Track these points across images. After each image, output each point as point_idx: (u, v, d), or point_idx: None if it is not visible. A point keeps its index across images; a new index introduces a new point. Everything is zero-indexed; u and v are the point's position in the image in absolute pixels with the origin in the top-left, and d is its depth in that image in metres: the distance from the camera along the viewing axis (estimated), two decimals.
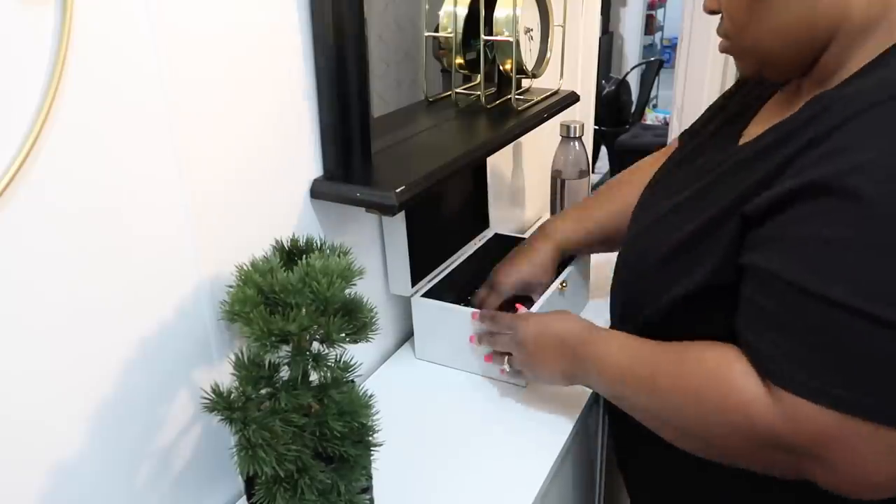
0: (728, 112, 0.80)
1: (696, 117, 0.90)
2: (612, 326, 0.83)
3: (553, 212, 1.31)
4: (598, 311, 1.13)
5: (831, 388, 0.53)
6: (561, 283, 1.01)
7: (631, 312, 0.76)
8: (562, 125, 1.25)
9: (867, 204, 0.52)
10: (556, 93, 1.18)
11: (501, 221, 1.32)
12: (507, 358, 0.88)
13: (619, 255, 0.83)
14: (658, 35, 5.62)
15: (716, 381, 0.61)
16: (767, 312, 0.58)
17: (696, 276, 0.65)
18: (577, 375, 0.79)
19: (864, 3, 0.59)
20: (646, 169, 0.94)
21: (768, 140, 0.62)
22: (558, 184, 1.28)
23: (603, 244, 1.02)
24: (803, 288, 0.54)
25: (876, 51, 0.58)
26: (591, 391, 0.90)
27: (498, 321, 0.89)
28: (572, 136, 1.25)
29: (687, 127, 0.91)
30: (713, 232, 0.63)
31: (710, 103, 0.89)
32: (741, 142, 0.71)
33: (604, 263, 1.13)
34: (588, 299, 1.16)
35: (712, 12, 0.68)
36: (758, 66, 0.67)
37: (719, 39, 0.70)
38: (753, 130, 0.69)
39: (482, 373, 0.97)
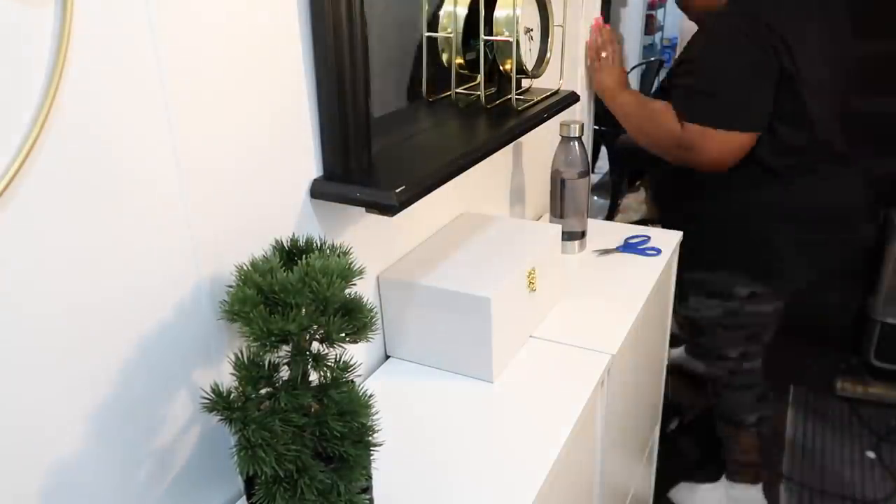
0: None
1: None
2: None
3: (553, 212, 1.31)
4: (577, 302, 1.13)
5: (697, 112, 1.39)
6: (529, 281, 1.01)
7: None
8: (562, 125, 1.25)
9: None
10: (556, 93, 1.18)
11: None
12: (604, 53, 1.57)
13: None
14: (658, 35, 5.61)
15: (661, 113, 1.45)
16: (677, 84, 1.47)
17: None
18: (611, 99, 1.58)
19: None
20: None
21: None
22: (558, 184, 1.28)
23: None
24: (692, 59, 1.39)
25: None
26: (584, 401, 0.92)
27: (613, 40, 1.60)
28: (572, 136, 1.25)
29: None
30: None
31: None
32: None
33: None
34: (559, 299, 1.16)
35: None
36: None
37: None
38: None
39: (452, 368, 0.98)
